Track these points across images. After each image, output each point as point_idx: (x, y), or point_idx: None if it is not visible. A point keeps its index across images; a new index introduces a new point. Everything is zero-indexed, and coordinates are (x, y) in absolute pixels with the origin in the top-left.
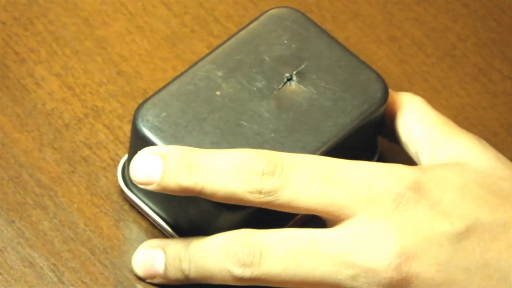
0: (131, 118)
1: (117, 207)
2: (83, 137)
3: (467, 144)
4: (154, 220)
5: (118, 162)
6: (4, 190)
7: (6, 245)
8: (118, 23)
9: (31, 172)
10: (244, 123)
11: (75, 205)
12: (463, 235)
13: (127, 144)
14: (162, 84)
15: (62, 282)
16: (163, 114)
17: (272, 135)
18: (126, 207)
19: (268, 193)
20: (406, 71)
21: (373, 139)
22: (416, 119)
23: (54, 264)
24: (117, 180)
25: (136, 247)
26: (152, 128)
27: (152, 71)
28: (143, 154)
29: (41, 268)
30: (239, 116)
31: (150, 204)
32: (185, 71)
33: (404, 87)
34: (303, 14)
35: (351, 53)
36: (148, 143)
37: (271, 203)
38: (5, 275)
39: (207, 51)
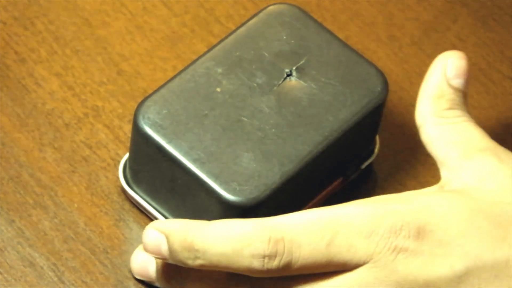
0: (131, 117)
1: (117, 206)
2: (83, 136)
3: (483, 167)
4: (156, 218)
5: (119, 162)
6: (4, 189)
7: (6, 244)
8: (118, 23)
9: (31, 171)
10: (245, 119)
11: (75, 205)
12: (462, 278)
13: (128, 144)
14: (162, 84)
15: (62, 282)
16: (164, 111)
17: (273, 130)
18: (126, 206)
19: (275, 271)
20: (406, 70)
21: (373, 134)
22: (438, 134)
23: (54, 264)
24: (117, 180)
25: (136, 247)
26: (153, 126)
27: (152, 71)
28: (149, 230)
29: (41, 267)
30: (240, 112)
31: (152, 202)
32: (185, 68)
33: (405, 86)
34: (301, 10)
35: (351, 48)
36: (149, 140)
37: (280, 275)
38: (5, 275)
39: None
